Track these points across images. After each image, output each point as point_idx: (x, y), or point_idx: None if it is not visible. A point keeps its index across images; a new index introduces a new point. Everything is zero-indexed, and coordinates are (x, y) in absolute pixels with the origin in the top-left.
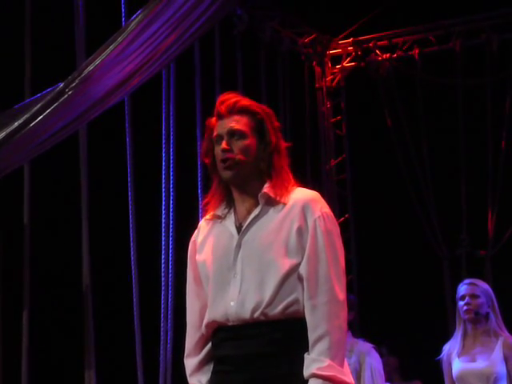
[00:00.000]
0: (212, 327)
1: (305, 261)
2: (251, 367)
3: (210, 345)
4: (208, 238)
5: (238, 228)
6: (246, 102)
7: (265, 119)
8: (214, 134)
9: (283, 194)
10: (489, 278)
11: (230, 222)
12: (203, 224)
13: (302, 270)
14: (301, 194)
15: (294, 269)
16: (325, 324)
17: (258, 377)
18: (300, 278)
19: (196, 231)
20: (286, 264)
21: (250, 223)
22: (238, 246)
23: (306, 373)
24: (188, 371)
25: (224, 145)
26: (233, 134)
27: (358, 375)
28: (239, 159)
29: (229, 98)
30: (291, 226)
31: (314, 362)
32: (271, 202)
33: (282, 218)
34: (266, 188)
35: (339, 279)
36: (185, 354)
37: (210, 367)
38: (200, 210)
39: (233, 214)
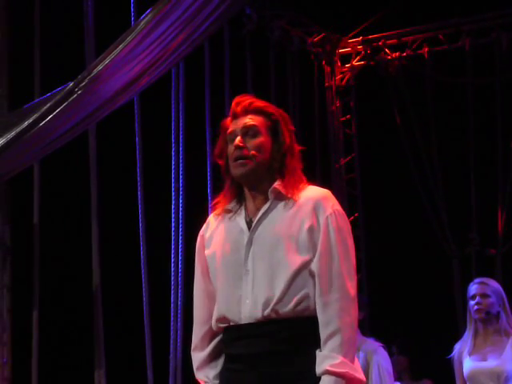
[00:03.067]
0: (223, 323)
1: (317, 258)
2: (263, 365)
3: (217, 339)
4: (217, 233)
5: (248, 223)
6: (261, 103)
7: (279, 120)
8: (229, 131)
9: (293, 190)
10: (499, 277)
11: (240, 218)
12: (212, 219)
13: (314, 266)
14: (312, 192)
15: (305, 265)
16: (337, 321)
17: (270, 375)
18: (311, 275)
19: (204, 225)
20: (297, 260)
21: (260, 218)
22: (250, 242)
23: (319, 369)
24: (195, 365)
25: (238, 141)
26: (247, 130)
27: (365, 373)
28: (253, 155)
29: (244, 99)
30: (302, 223)
31: (327, 359)
32: (281, 198)
33: (292, 214)
34: (277, 184)
35: (351, 276)
36: (191, 347)
37: (217, 362)
38: (209, 208)
39: (243, 210)
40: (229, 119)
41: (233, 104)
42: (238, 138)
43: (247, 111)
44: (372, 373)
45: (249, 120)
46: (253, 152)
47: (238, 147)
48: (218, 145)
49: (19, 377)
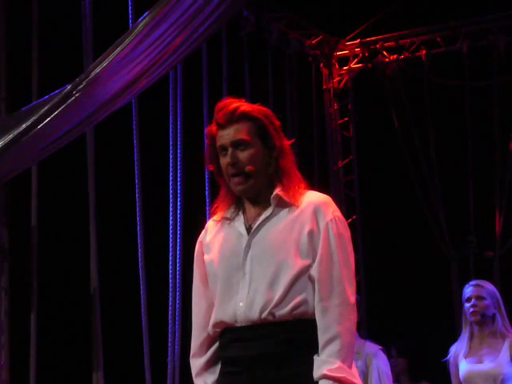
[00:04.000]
0: (219, 327)
1: (317, 263)
2: (259, 368)
3: (216, 345)
4: (216, 239)
5: (248, 229)
6: (244, 107)
7: (266, 123)
8: (217, 144)
9: (295, 195)
10: (497, 279)
11: (239, 223)
12: (211, 224)
13: (314, 271)
14: (312, 197)
15: (305, 270)
16: (336, 326)
17: (266, 378)
18: (310, 280)
19: (203, 232)
20: (298, 264)
21: (260, 224)
22: (248, 246)
23: (317, 374)
24: (194, 371)
25: (229, 158)
26: (236, 144)
27: (365, 377)
28: (249, 170)
29: (227, 105)
30: (302, 228)
31: (325, 364)
32: (283, 204)
33: (293, 219)
34: (279, 190)
35: (350, 282)
36: (190, 354)
37: (216, 368)
38: (207, 212)
39: (242, 216)
40: (214, 127)
41: (216, 110)
42: (229, 155)
43: (231, 120)
44: (372, 376)
45: (236, 133)
46: (248, 167)
47: (231, 165)
48: (207, 152)
49: (17, 379)
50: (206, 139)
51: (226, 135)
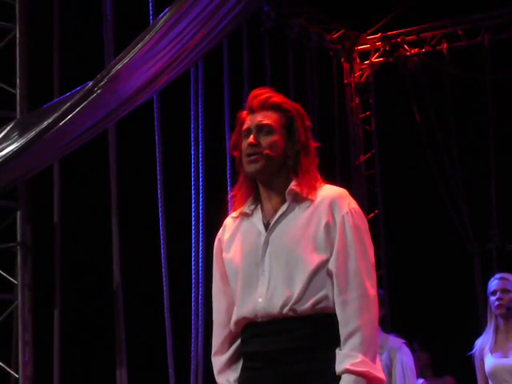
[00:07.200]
0: (241, 324)
1: (334, 256)
2: (281, 363)
3: (238, 342)
4: (235, 236)
5: (266, 225)
6: (278, 98)
7: (295, 117)
8: (244, 127)
9: (310, 190)
10: None
11: (257, 219)
12: (229, 222)
13: (332, 265)
14: (328, 191)
15: (323, 264)
16: (356, 319)
17: (288, 373)
18: (329, 274)
19: (221, 229)
20: (315, 260)
21: (277, 220)
22: (266, 242)
23: (339, 368)
24: (216, 369)
25: (251, 139)
26: (261, 128)
27: (389, 371)
28: (266, 154)
29: (262, 93)
30: (319, 223)
31: (347, 358)
32: (298, 199)
33: (309, 214)
34: (294, 185)
35: (369, 274)
36: (212, 352)
37: (238, 365)
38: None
39: (260, 211)
40: (245, 112)
41: (250, 97)
42: (252, 136)
43: (263, 107)
44: (396, 370)
45: (264, 118)
46: (267, 151)
47: (251, 145)
48: (234, 136)
49: (41, 376)
50: (236, 124)
51: (254, 119)
